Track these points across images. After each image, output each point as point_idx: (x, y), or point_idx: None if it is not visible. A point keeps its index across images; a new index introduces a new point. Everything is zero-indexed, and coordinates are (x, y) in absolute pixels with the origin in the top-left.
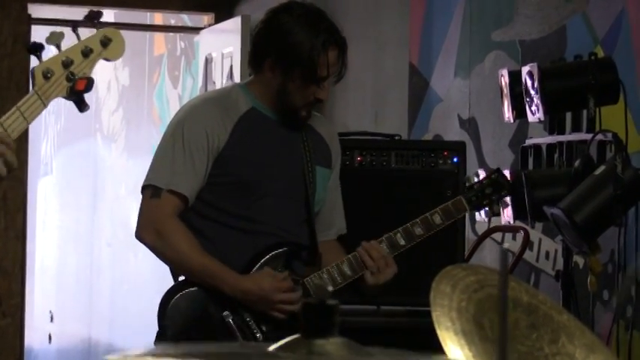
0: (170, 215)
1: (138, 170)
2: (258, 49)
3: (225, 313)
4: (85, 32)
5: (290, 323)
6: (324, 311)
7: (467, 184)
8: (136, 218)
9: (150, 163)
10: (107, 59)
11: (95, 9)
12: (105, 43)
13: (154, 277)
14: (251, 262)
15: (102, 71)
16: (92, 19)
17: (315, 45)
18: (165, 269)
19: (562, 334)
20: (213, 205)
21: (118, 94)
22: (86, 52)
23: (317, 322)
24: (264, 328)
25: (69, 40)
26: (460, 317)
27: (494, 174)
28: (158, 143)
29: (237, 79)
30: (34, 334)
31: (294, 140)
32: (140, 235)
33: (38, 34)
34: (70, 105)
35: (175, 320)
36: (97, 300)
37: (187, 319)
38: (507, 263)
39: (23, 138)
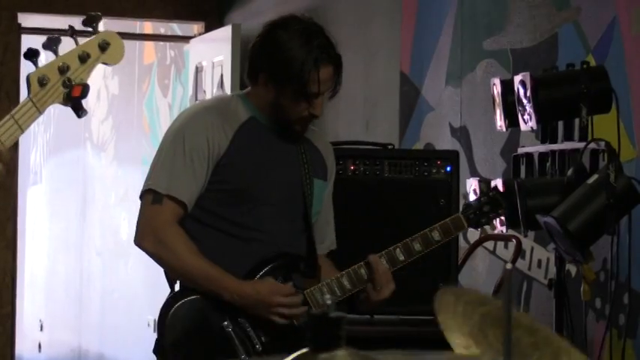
0: (171, 222)
1: (127, 179)
2: (253, 63)
3: (225, 323)
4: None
5: (290, 334)
6: (329, 324)
7: (465, 202)
8: (136, 223)
9: (149, 168)
10: (106, 63)
11: (93, 13)
12: (103, 47)
13: (144, 286)
14: (250, 273)
15: (91, 80)
16: (90, 23)
17: (307, 62)
18: (155, 278)
19: (563, 357)
20: (211, 212)
21: (107, 102)
22: (83, 57)
23: (322, 335)
24: (263, 339)
25: (67, 45)
26: (466, 322)
27: (492, 192)
28: (157, 149)
29: (227, 87)
30: (24, 343)
31: (292, 151)
32: (140, 242)
33: (28, 43)
34: (60, 114)
35: (175, 329)
36: (87, 309)
37: (187, 328)
38: (511, 282)
39: (13, 147)
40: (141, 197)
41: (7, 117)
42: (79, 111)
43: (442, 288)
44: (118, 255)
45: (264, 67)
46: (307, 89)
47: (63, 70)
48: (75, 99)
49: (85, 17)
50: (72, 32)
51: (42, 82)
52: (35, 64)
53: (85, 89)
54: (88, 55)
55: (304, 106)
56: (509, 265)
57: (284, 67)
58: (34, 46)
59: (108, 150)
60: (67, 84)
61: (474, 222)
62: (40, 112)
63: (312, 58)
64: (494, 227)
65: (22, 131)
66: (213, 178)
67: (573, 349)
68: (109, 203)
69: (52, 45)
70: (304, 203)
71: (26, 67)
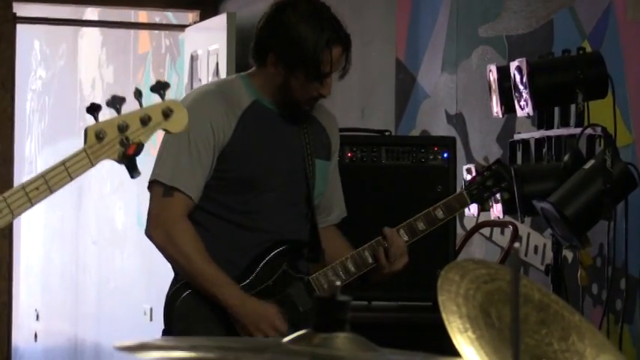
0: (181, 216)
1: (122, 168)
2: (262, 43)
3: None
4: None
5: (296, 321)
6: (334, 306)
7: (467, 178)
8: (147, 214)
9: (156, 158)
10: (167, 130)
11: (162, 80)
12: (167, 114)
13: (140, 275)
14: (254, 260)
15: (86, 69)
16: (158, 90)
17: (319, 42)
18: (151, 267)
19: (573, 333)
20: (215, 200)
21: (102, 91)
22: (145, 120)
23: (327, 317)
24: None
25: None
26: (467, 303)
27: (495, 165)
28: (162, 138)
29: (223, 76)
30: (20, 333)
31: (295, 134)
32: (150, 234)
33: (23, 32)
34: (54, 103)
35: (182, 318)
36: (83, 298)
37: (194, 318)
38: (518, 262)
39: (9, 137)
40: (149, 187)
41: (59, 163)
42: (133, 171)
43: (450, 263)
44: (113, 244)
45: (274, 48)
46: (320, 70)
47: (122, 128)
48: (129, 157)
49: (153, 85)
50: (138, 95)
51: (99, 136)
52: (96, 118)
53: (138, 148)
54: (150, 119)
55: (315, 86)
56: (517, 244)
57: (296, 48)
58: (28, 35)
59: None
60: (125, 142)
61: (477, 197)
62: (93, 164)
63: (324, 39)
64: (489, 205)
65: (71, 179)
66: (217, 166)
67: (585, 324)
68: (104, 192)
69: (115, 103)
70: (307, 186)
71: (21, 57)
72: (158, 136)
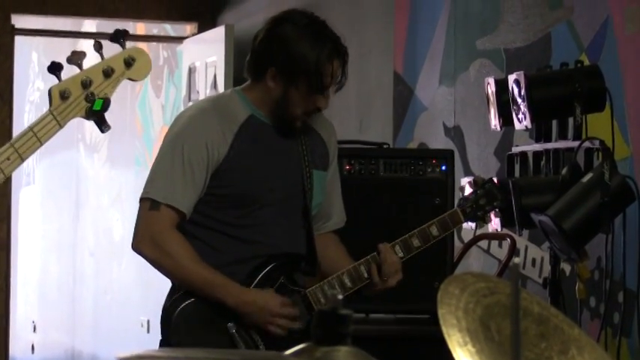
0: (169, 227)
1: (120, 180)
2: (260, 58)
3: (230, 324)
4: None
5: (294, 335)
6: (336, 320)
7: (461, 195)
8: (133, 229)
9: (149, 174)
10: (132, 79)
11: (121, 29)
12: (129, 63)
13: (138, 287)
14: (251, 273)
15: None
16: (118, 38)
17: (322, 55)
18: (149, 279)
19: (572, 347)
20: (211, 216)
21: None
22: (108, 72)
23: (328, 330)
24: (266, 340)
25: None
26: (466, 317)
27: (488, 184)
28: (156, 155)
29: (220, 88)
30: (17, 345)
31: (292, 146)
32: (138, 248)
33: (23, 44)
34: None
35: (180, 330)
36: (80, 310)
37: (191, 330)
38: (519, 276)
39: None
40: (139, 203)
41: (26, 129)
42: (102, 125)
43: (450, 276)
44: (111, 256)
45: (274, 63)
46: (322, 82)
47: (86, 84)
48: (96, 113)
49: (112, 33)
50: (98, 47)
51: (64, 96)
52: (58, 77)
53: (105, 103)
54: (113, 70)
55: (314, 99)
56: (517, 260)
57: (298, 62)
58: (27, 47)
59: (101, 151)
60: (90, 98)
61: (471, 215)
62: (61, 125)
63: (326, 52)
64: (485, 222)
65: (41, 144)
66: (212, 182)
67: (585, 338)
68: (102, 204)
69: (76, 59)
70: (304, 198)
71: (19, 68)
72: (154, 150)
